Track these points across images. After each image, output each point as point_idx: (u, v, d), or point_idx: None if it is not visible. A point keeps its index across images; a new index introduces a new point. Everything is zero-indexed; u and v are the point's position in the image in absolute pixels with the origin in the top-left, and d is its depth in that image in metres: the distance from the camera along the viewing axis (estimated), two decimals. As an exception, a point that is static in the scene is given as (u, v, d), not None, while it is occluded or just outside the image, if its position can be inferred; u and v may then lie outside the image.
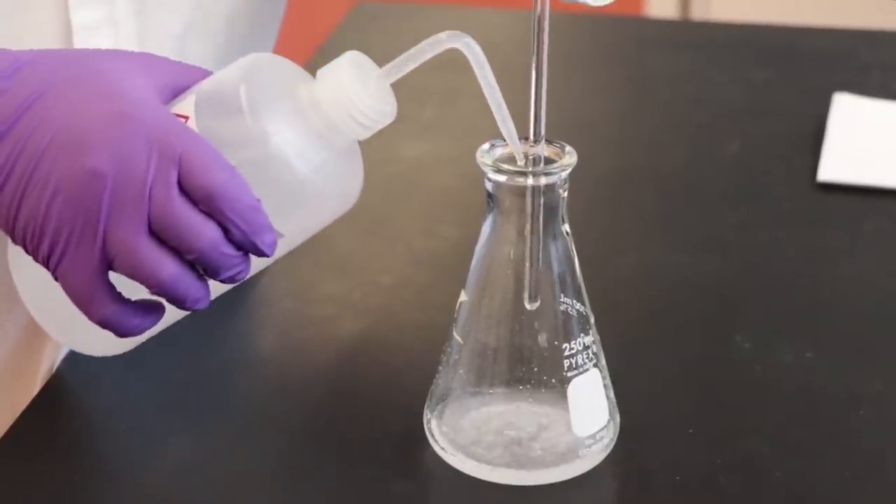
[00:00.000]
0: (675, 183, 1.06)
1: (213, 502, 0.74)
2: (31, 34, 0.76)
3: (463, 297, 0.75)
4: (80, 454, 0.77)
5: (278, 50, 0.96)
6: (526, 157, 0.71)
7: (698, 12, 2.26)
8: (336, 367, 0.84)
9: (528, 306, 0.73)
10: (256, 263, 0.69)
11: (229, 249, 0.65)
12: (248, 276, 0.68)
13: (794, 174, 1.06)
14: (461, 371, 0.75)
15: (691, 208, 1.03)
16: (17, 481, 0.75)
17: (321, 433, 0.78)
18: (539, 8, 0.70)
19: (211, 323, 0.87)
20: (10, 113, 0.65)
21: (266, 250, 0.66)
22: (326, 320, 0.88)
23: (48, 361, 0.83)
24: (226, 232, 0.65)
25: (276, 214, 0.66)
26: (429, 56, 0.68)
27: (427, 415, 0.77)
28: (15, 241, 0.66)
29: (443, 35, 0.67)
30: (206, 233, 0.64)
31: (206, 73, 0.69)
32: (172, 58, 0.70)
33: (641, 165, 1.09)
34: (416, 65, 0.68)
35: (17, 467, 0.76)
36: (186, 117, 0.66)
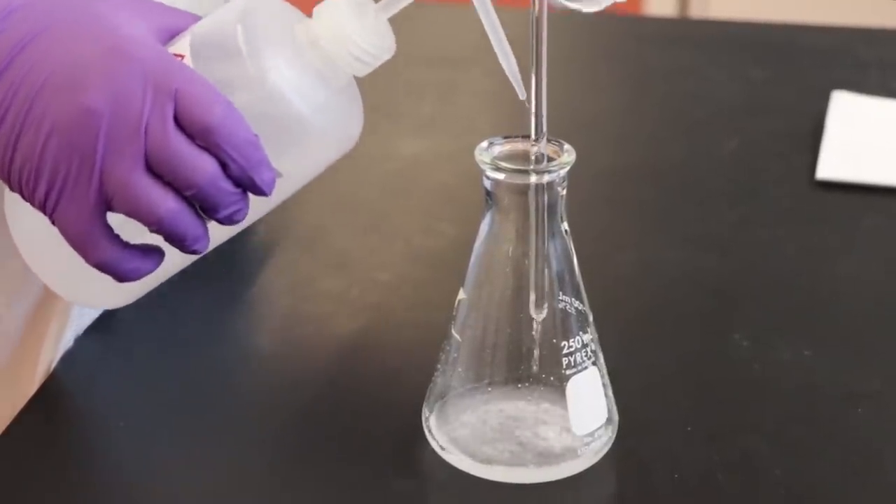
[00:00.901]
0: (673, 180, 1.06)
1: (210, 501, 0.74)
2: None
3: (461, 294, 0.75)
4: (77, 453, 0.77)
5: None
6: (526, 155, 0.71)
7: (697, 10, 2.26)
8: (334, 364, 0.84)
9: (534, 315, 0.73)
10: (256, 209, 0.68)
11: (227, 185, 0.65)
12: (246, 221, 0.68)
13: (793, 172, 1.06)
14: (459, 369, 0.75)
15: (690, 206, 1.03)
16: (14, 481, 0.74)
17: (319, 431, 0.78)
18: (537, 9, 0.70)
19: (208, 321, 0.87)
20: (4, 56, 0.64)
21: (264, 187, 0.66)
22: (324, 317, 0.88)
23: (46, 361, 0.83)
24: (224, 168, 0.65)
25: (274, 154, 0.66)
26: None
27: (425, 412, 0.77)
28: (11, 187, 0.66)
29: None
30: (203, 167, 0.64)
31: (198, 18, 0.69)
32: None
33: (640, 163, 1.09)
34: None
35: (15, 467, 0.75)
36: (182, 56, 0.66)
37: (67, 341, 0.84)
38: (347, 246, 0.96)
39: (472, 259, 0.74)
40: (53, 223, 0.65)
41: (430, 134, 1.12)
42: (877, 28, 1.33)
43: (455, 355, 0.75)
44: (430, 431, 0.76)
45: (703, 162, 1.09)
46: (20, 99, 0.64)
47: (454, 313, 0.75)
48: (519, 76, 0.69)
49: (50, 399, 0.81)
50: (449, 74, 1.13)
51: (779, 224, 0.99)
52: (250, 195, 0.66)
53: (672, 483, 0.74)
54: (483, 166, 0.71)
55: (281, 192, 0.68)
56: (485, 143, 0.72)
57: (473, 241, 0.74)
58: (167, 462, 0.76)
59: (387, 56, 0.68)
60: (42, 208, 0.65)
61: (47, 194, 0.64)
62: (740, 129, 1.13)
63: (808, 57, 1.27)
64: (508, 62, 0.68)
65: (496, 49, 0.68)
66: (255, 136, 0.65)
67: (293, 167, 0.68)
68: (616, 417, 0.76)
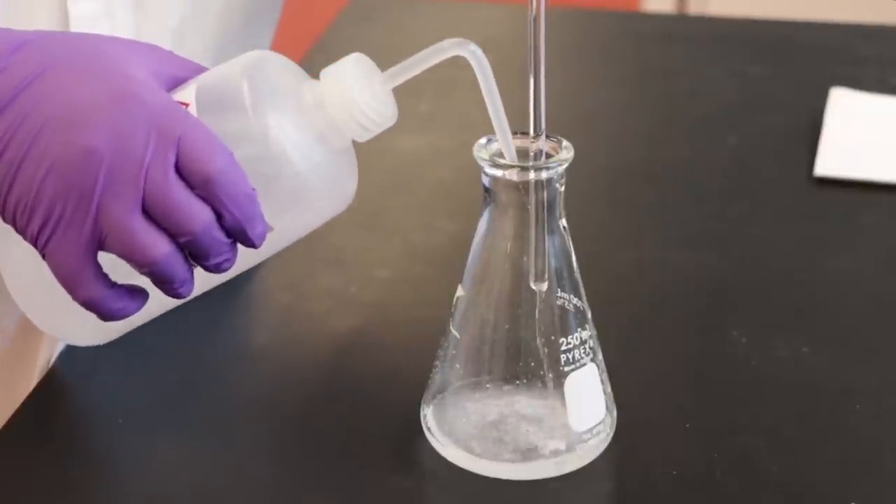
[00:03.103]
0: (671, 178, 1.06)
1: (208, 497, 0.74)
2: (28, 26, 0.76)
3: (460, 291, 0.75)
4: (76, 448, 0.77)
5: (276, 43, 0.96)
6: (525, 152, 0.71)
7: (695, 6, 2.26)
8: (332, 361, 0.84)
9: (533, 286, 0.73)
10: (242, 262, 0.68)
11: (220, 235, 0.65)
12: (232, 272, 0.68)
13: (791, 169, 1.06)
14: (458, 365, 0.75)
15: (688, 203, 1.03)
16: (13, 476, 0.75)
17: (317, 428, 0.78)
18: (534, 9, 0.70)
19: (207, 317, 0.87)
20: (9, 90, 0.65)
21: (255, 240, 0.66)
22: (322, 314, 0.88)
23: (45, 356, 0.83)
24: (218, 218, 0.65)
25: (269, 209, 0.67)
26: (433, 62, 0.68)
27: (424, 409, 0.77)
28: (5, 218, 0.66)
29: (448, 42, 0.68)
30: (199, 216, 0.64)
31: (204, 69, 0.69)
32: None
33: (638, 160, 1.09)
34: (420, 70, 0.68)
35: (14, 462, 0.75)
36: (187, 104, 0.66)
37: (66, 337, 0.84)
38: (345, 243, 0.96)
39: (471, 256, 0.74)
40: (44, 258, 0.65)
41: (429, 130, 1.12)
42: (875, 25, 1.33)
43: (453, 352, 0.75)
44: (428, 428, 0.76)
45: (702, 159, 1.09)
46: (22, 134, 0.64)
47: (452, 310, 0.75)
48: (515, 155, 0.70)
49: (49, 394, 0.81)
50: (447, 71, 1.13)
51: (777, 221, 0.99)
52: (239, 246, 0.67)
53: (671, 480, 0.74)
54: (482, 163, 0.71)
55: (270, 246, 0.69)
56: (483, 140, 0.72)
57: (472, 237, 0.74)
58: (165, 458, 0.76)
59: (389, 125, 0.69)
60: (34, 242, 0.65)
61: (41, 229, 0.64)
62: (738, 126, 1.13)
63: (806, 54, 1.27)
64: (505, 140, 0.69)
65: (494, 125, 0.69)
66: (253, 189, 0.65)
67: (285, 223, 0.69)
68: (614, 414, 0.76)
